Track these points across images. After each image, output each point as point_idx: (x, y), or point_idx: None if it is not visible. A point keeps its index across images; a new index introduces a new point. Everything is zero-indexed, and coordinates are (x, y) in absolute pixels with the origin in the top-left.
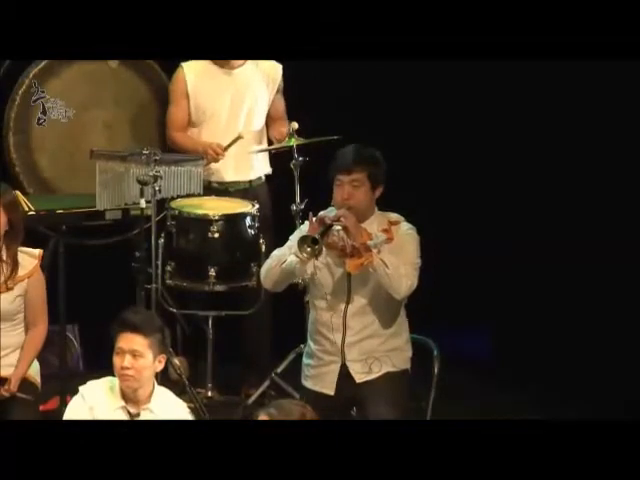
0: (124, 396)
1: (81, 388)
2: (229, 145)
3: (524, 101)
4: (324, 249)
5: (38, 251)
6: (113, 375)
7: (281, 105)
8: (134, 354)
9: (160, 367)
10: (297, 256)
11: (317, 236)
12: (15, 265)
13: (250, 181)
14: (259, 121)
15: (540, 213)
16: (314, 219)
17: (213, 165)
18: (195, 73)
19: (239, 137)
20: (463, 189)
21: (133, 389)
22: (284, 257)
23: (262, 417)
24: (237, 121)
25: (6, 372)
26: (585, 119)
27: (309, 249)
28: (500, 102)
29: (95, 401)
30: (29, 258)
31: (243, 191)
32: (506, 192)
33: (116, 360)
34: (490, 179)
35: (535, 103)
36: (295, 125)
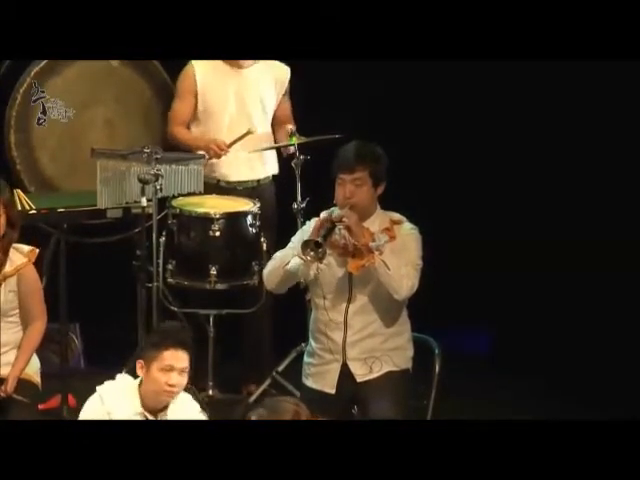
0: (143, 402)
1: (99, 389)
2: (236, 141)
3: (524, 101)
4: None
5: (30, 248)
6: (114, 374)
7: (287, 108)
8: (182, 371)
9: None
10: (301, 258)
11: (320, 239)
12: (4, 260)
13: (258, 180)
14: (267, 122)
15: (540, 212)
16: (317, 220)
17: (221, 163)
18: (204, 70)
19: (248, 132)
20: (463, 188)
21: (170, 401)
22: (287, 258)
23: (252, 418)
24: (242, 120)
25: (4, 371)
26: (585, 119)
27: (313, 252)
28: (500, 102)
29: (114, 405)
30: (19, 254)
31: (251, 190)
32: (506, 191)
33: (162, 377)
34: (490, 178)
35: (535, 103)
36: (292, 127)
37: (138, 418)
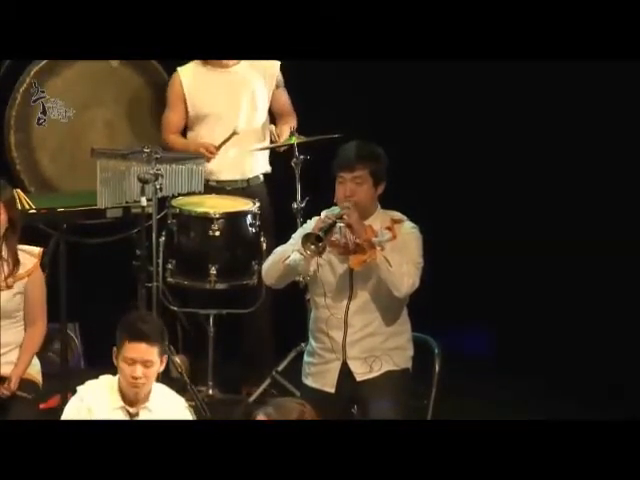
0: (123, 396)
1: (79, 389)
2: (223, 143)
3: (524, 101)
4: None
5: (38, 249)
6: (114, 373)
7: (284, 99)
8: (146, 364)
9: (163, 367)
10: (301, 253)
11: (321, 234)
12: (16, 263)
13: (248, 180)
14: (259, 118)
15: (540, 212)
16: (318, 219)
17: (211, 164)
18: (190, 76)
19: (234, 133)
20: (463, 188)
21: (141, 393)
22: (287, 253)
23: (260, 417)
24: (235, 119)
25: (6, 370)
26: (585, 119)
27: (313, 246)
28: (500, 102)
29: (94, 402)
30: (29, 257)
31: (240, 190)
32: (506, 191)
33: (126, 369)
34: (490, 178)
35: (535, 103)
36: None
37: (119, 412)
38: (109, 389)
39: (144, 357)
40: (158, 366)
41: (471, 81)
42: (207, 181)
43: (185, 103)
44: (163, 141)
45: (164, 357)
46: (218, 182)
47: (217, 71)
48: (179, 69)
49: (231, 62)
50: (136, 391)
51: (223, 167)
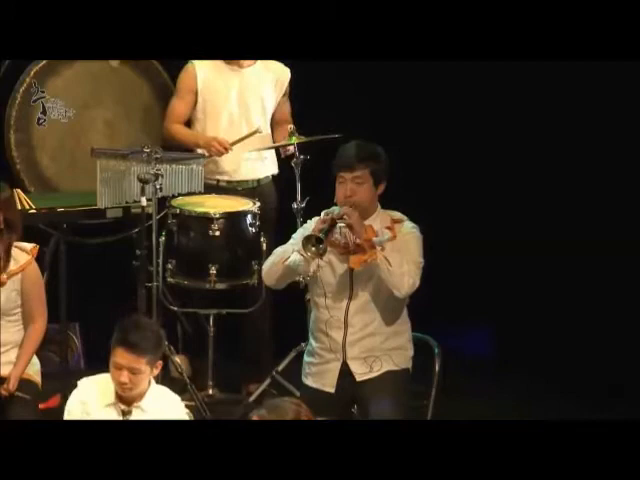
0: (117, 394)
1: (79, 382)
2: (240, 140)
3: (524, 101)
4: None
5: (31, 245)
6: None
7: (287, 109)
8: (132, 371)
9: (157, 372)
10: (301, 255)
11: (322, 235)
12: (7, 259)
13: (259, 180)
14: (266, 121)
15: (540, 212)
16: (319, 219)
17: (221, 163)
18: (205, 70)
19: (256, 131)
20: (463, 188)
21: (130, 395)
22: (287, 254)
23: (254, 418)
24: (242, 119)
25: (5, 370)
26: (585, 119)
27: (314, 248)
28: (500, 102)
29: (88, 396)
30: (22, 252)
31: (251, 190)
32: (506, 191)
33: (114, 373)
34: (490, 178)
35: (535, 103)
36: (291, 126)
37: (111, 408)
38: (105, 386)
39: (131, 365)
40: (148, 373)
41: (471, 81)
42: (217, 181)
43: (196, 95)
44: (165, 130)
45: (158, 363)
46: (229, 182)
47: (231, 69)
48: (194, 61)
49: (245, 62)
50: (125, 394)
51: (235, 168)
